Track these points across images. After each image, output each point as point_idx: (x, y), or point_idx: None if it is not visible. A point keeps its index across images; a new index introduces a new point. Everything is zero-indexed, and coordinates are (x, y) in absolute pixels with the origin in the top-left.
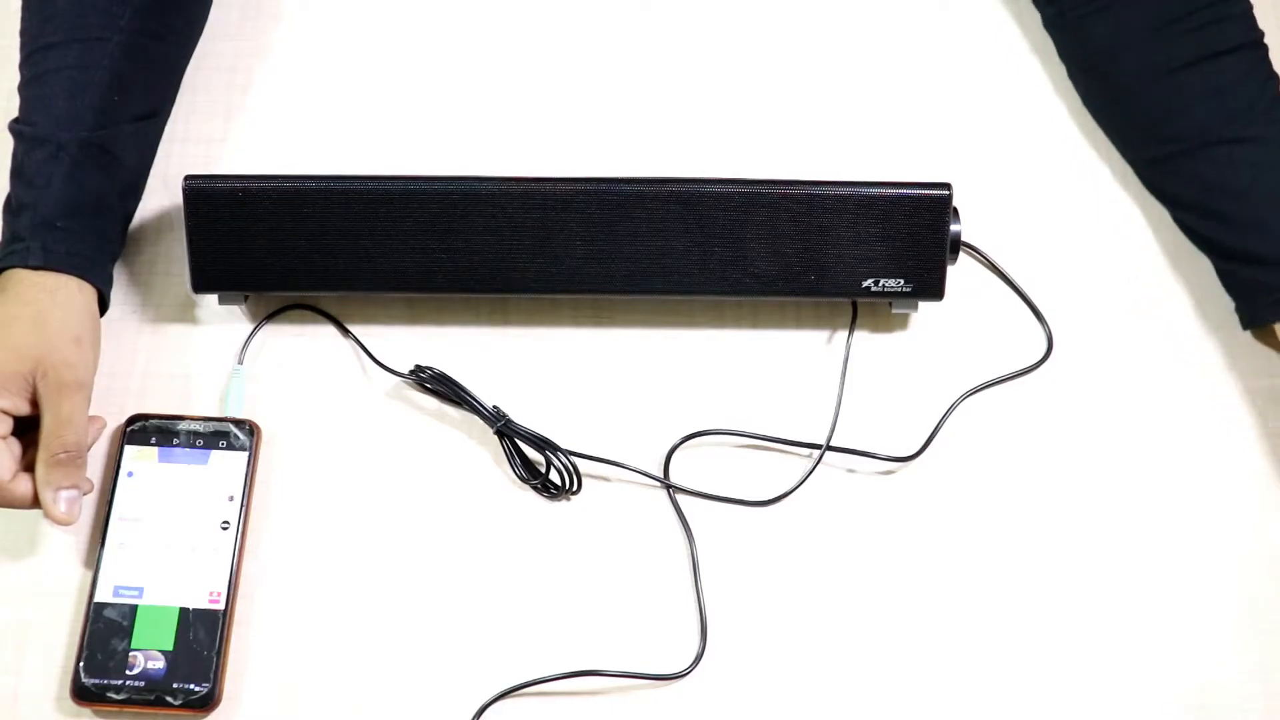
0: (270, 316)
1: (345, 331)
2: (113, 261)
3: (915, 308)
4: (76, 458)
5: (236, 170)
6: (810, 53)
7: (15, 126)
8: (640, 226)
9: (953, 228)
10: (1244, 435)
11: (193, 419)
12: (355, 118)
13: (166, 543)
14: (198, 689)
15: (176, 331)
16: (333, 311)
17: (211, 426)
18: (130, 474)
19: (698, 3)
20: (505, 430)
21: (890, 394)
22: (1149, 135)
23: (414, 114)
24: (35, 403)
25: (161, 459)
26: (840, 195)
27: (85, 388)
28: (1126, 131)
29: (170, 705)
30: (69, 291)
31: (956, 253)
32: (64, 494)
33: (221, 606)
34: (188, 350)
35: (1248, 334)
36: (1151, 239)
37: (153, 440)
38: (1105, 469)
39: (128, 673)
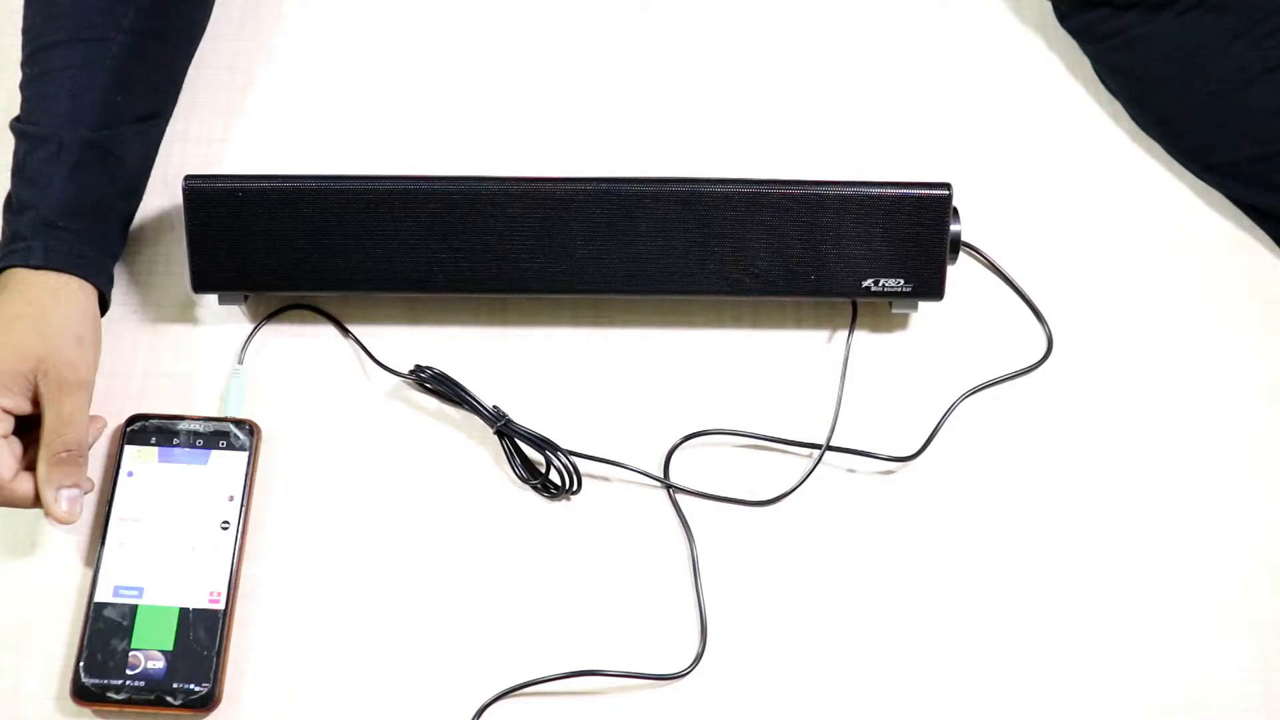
0: (270, 316)
1: (345, 331)
2: (114, 261)
3: (915, 308)
4: (78, 457)
5: (236, 170)
6: (810, 53)
7: (17, 125)
8: (640, 226)
9: (953, 228)
10: (1244, 436)
11: (193, 419)
12: (355, 118)
13: (166, 543)
14: (198, 689)
15: (176, 331)
16: (333, 311)
17: (211, 426)
18: (130, 474)
19: (698, 3)
20: (505, 430)
21: (890, 394)
22: (1246, 136)
23: (414, 114)
24: (37, 402)
25: (161, 459)
26: (840, 195)
27: (86, 387)
28: (1209, 136)
29: (170, 705)
30: (70, 291)
31: (956, 253)
32: (65, 493)
33: (221, 606)
34: (188, 350)
35: (1248, 334)
36: (1152, 239)
37: (153, 440)
38: (1105, 469)
39: (128, 673)
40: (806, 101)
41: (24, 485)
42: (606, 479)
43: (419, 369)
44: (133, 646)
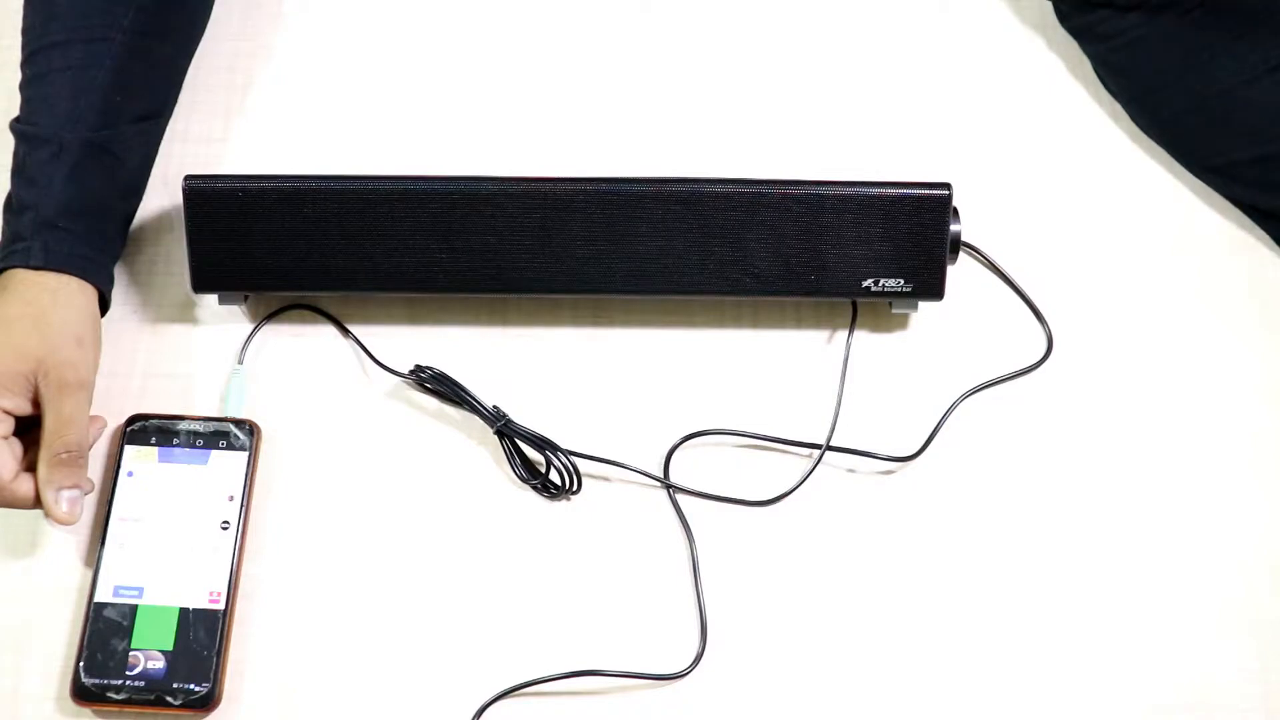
0: (270, 316)
1: (345, 331)
2: (114, 261)
3: (915, 308)
4: (78, 457)
5: (236, 170)
6: (810, 53)
7: (17, 126)
8: (640, 226)
9: (953, 228)
10: (1244, 436)
11: (193, 419)
12: (355, 118)
13: (166, 543)
14: (198, 689)
15: (176, 331)
16: (333, 311)
17: (211, 426)
18: (130, 474)
19: (698, 4)
20: (505, 430)
21: (890, 394)
22: (1247, 137)
23: (414, 114)
24: (37, 403)
25: (161, 459)
26: (840, 195)
27: (87, 387)
28: (1210, 137)
29: (170, 705)
30: (70, 291)
31: (956, 253)
32: (66, 494)
33: (221, 606)
34: (188, 350)
35: (1248, 334)
36: (1152, 239)
37: (153, 440)
38: (1105, 469)
39: (128, 673)
40: (806, 101)
41: (24, 486)
42: (606, 479)
43: (419, 369)
44: (133, 646)
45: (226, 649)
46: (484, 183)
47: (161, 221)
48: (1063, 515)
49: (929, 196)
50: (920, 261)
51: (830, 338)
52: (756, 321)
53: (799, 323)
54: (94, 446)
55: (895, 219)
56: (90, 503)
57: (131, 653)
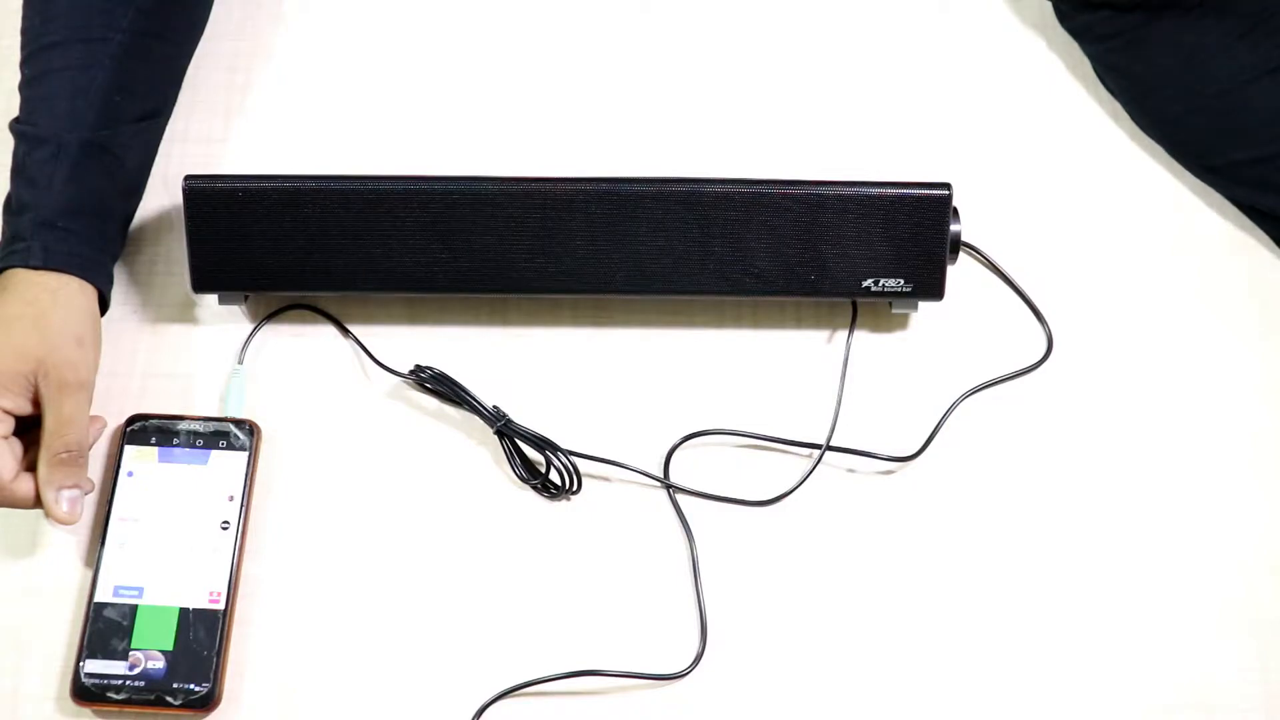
0: (270, 316)
1: (345, 331)
2: (113, 261)
3: (915, 308)
4: (78, 457)
5: (236, 170)
6: (811, 53)
7: (16, 126)
8: (641, 226)
9: (953, 228)
10: (1244, 435)
11: (193, 419)
12: (355, 118)
13: (166, 543)
14: (198, 689)
15: (176, 331)
16: (333, 311)
17: (211, 426)
18: (130, 474)
19: (698, 4)
20: (505, 430)
21: (890, 394)
22: (1247, 138)
23: (414, 114)
24: (37, 403)
25: (161, 459)
26: (840, 195)
27: (87, 387)
28: (1210, 138)
29: (170, 705)
30: (70, 291)
31: (956, 253)
32: (66, 493)
33: (221, 606)
34: (188, 350)
35: (1248, 334)
36: (1152, 239)
37: (153, 440)
38: (1105, 469)
39: (128, 673)
40: (806, 101)
41: (24, 486)
42: (606, 479)
43: (419, 369)
44: (133, 646)
45: (226, 649)
46: (484, 183)
47: (161, 221)
48: (1063, 515)
49: (929, 196)
50: (920, 261)
51: (830, 338)
52: (756, 321)
53: (799, 323)
54: (94, 446)
55: (895, 219)
56: (90, 503)
57: (131, 652)
